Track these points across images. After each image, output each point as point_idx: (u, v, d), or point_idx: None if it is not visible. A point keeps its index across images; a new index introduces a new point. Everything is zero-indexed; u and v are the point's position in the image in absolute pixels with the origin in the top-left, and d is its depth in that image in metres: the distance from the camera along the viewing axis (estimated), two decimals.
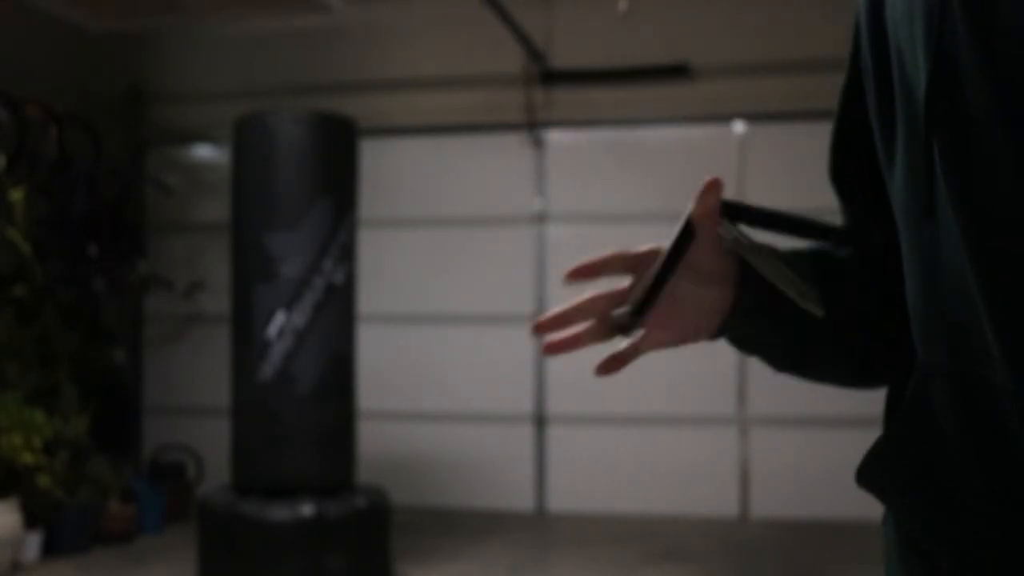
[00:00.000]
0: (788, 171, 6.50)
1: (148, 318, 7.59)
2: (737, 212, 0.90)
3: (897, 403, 0.93)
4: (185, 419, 7.43)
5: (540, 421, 7.13)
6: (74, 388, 6.20)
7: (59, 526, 5.62)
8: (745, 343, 1.00)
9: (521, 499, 7.08)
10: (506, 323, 7.12)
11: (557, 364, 7.08)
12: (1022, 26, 0.72)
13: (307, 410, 4.98)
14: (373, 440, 6.41)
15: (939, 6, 0.76)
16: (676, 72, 6.84)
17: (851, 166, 1.04)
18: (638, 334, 0.95)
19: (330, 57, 7.40)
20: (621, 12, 5.75)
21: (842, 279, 0.99)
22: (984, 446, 0.78)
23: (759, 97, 6.80)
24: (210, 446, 6.79)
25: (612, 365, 0.99)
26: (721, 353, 6.80)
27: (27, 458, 5.48)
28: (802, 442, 6.75)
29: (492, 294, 7.18)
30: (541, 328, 0.95)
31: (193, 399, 7.46)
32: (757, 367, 7.09)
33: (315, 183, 5.04)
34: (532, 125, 7.09)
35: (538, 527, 6.72)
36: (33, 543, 5.46)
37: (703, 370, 6.87)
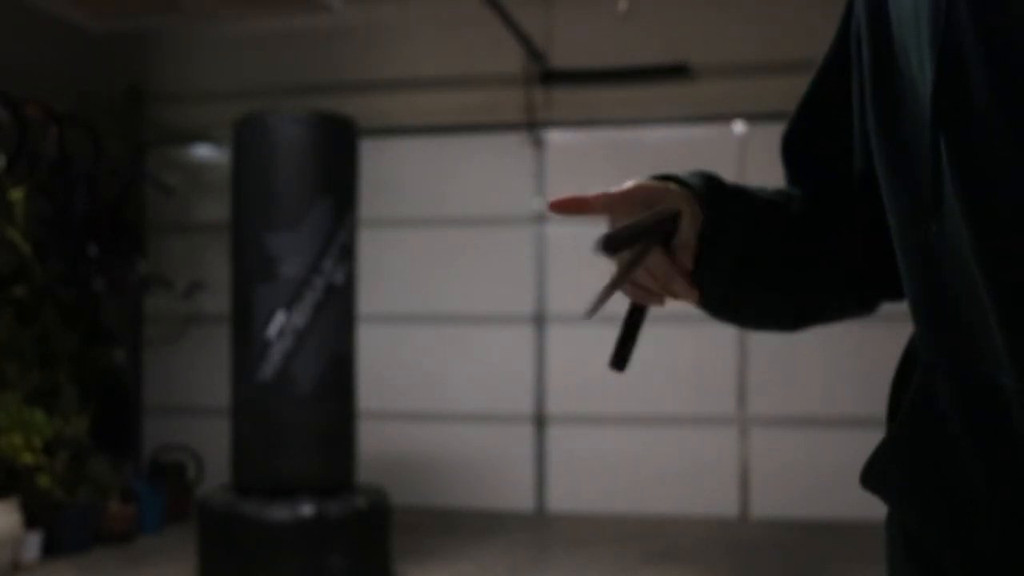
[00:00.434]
0: None
1: (148, 318, 7.58)
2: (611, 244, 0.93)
3: (899, 403, 0.93)
4: (185, 419, 7.43)
5: (540, 421, 7.12)
6: (74, 388, 6.20)
7: (59, 526, 5.61)
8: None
9: (521, 499, 7.07)
10: (506, 323, 7.12)
11: (557, 364, 7.08)
12: None
13: (307, 410, 4.98)
14: (373, 440, 6.41)
15: (945, 2, 0.76)
16: (676, 72, 6.84)
17: (811, 145, 1.06)
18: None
19: (330, 57, 7.40)
20: (621, 12, 5.75)
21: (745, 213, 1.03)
22: (989, 446, 0.78)
23: (759, 97, 6.79)
24: (210, 446, 6.79)
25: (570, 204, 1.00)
26: (721, 353, 6.81)
27: (27, 458, 5.48)
28: (802, 442, 6.75)
29: (492, 294, 7.18)
30: (554, 207, 1.00)
31: (193, 399, 7.46)
32: (757, 367, 7.10)
33: (315, 183, 5.04)
34: (532, 125, 7.09)
35: (538, 527, 6.72)
36: (33, 543, 5.46)
37: (703, 370, 6.87)
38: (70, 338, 6.36)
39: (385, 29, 7.33)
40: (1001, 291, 0.73)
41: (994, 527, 0.79)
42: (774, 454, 6.81)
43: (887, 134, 0.87)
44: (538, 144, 7.18)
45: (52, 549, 5.58)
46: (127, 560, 5.65)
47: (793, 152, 1.10)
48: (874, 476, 0.90)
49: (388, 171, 7.19)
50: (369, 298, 6.41)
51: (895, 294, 1.02)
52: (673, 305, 1.06)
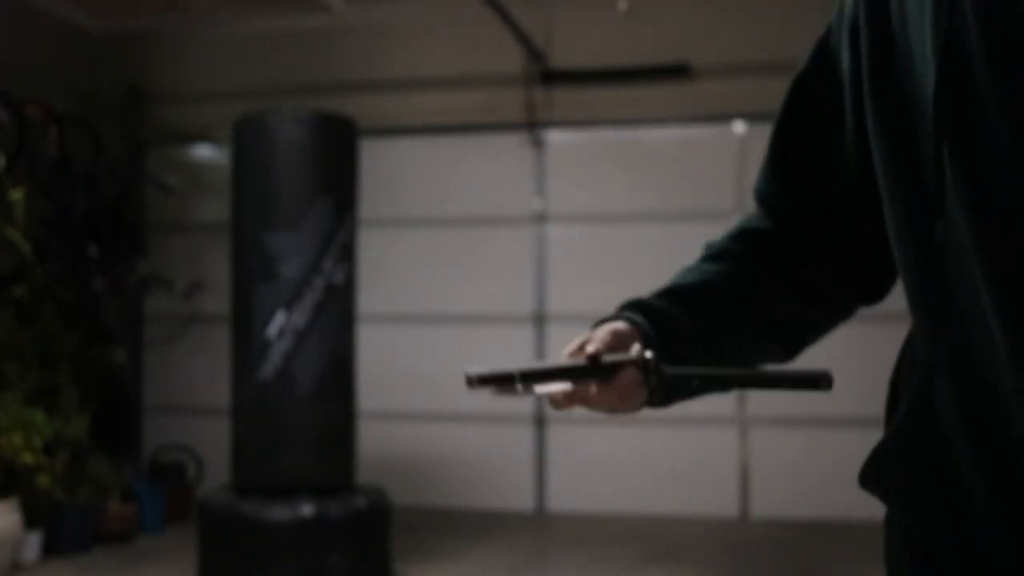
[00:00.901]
0: None
1: (148, 318, 7.58)
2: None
3: (897, 403, 0.93)
4: (185, 419, 7.43)
5: (540, 421, 7.12)
6: (74, 388, 6.20)
7: (59, 526, 5.61)
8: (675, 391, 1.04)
9: (521, 499, 7.07)
10: (506, 323, 7.12)
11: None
12: None
13: (307, 410, 4.98)
14: (373, 440, 6.41)
15: (948, 4, 0.75)
16: (676, 72, 6.84)
17: (797, 145, 1.08)
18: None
19: (330, 57, 7.40)
20: (621, 12, 5.74)
21: (724, 297, 1.08)
22: (988, 446, 0.78)
23: (759, 97, 6.77)
24: (210, 446, 6.79)
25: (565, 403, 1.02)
26: None
27: (27, 458, 5.48)
28: (802, 442, 6.75)
29: (492, 294, 7.18)
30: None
31: (193, 399, 7.46)
32: None
33: (315, 183, 5.04)
34: (532, 125, 7.09)
35: (538, 527, 6.72)
36: (33, 543, 5.45)
37: None
38: (70, 338, 6.36)
39: (385, 29, 7.33)
40: (1002, 291, 0.73)
41: (992, 526, 0.79)
42: (774, 454, 6.81)
43: (887, 135, 0.87)
44: (538, 144, 7.18)
45: (52, 549, 5.58)
46: (127, 560, 5.65)
47: (778, 153, 1.14)
48: (873, 476, 0.90)
49: (388, 171, 7.19)
50: (369, 298, 6.41)
51: (871, 297, 1.06)
52: None
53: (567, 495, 7.02)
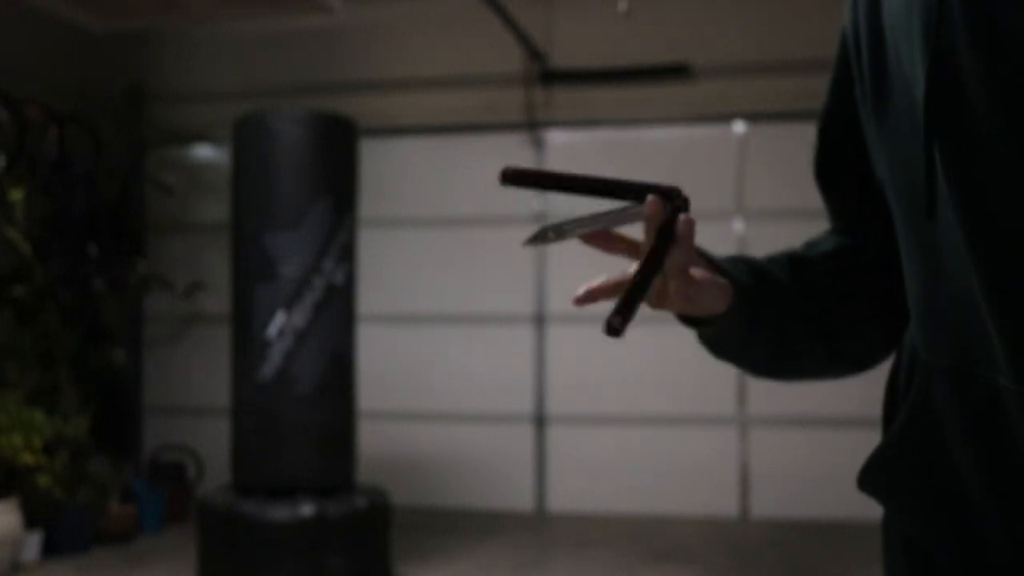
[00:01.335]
0: (788, 171, 6.50)
1: (148, 318, 7.59)
2: (526, 179, 0.90)
3: (895, 404, 0.93)
4: (185, 419, 7.43)
5: (540, 421, 7.12)
6: (74, 388, 6.20)
7: (59, 526, 5.61)
8: (731, 342, 1.00)
9: (521, 499, 7.07)
10: (506, 323, 7.12)
11: (557, 364, 7.08)
12: (1022, 24, 0.71)
13: (307, 410, 4.98)
14: (373, 440, 6.41)
15: (936, 4, 0.75)
16: (676, 72, 6.84)
17: (838, 164, 1.05)
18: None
19: (330, 57, 7.40)
20: (621, 12, 5.74)
21: (818, 274, 1.01)
22: (987, 447, 0.78)
23: (759, 97, 6.79)
24: (210, 446, 6.79)
25: (596, 294, 0.95)
26: None
27: (27, 458, 5.48)
28: (802, 442, 6.75)
29: (492, 294, 7.18)
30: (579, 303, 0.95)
31: (193, 399, 7.46)
32: None
33: (315, 183, 5.04)
34: (532, 125, 7.09)
35: (538, 527, 6.72)
36: (33, 543, 5.46)
37: (703, 370, 6.85)
38: (70, 338, 6.36)
39: (385, 29, 7.33)
40: (997, 292, 0.73)
41: (991, 529, 0.79)
42: (774, 454, 6.81)
43: (885, 136, 0.87)
44: (538, 144, 7.18)
45: (52, 549, 5.58)
46: (127, 560, 5.65)
47: (823, 179, 1.08)
48: (872, 479, 0.90)
49: (388, 171, 7.19)
50: (369, 298, 6.41)
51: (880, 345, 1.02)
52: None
53: (567, 495, 7.02)
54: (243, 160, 5.13)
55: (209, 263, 7.33)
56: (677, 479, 6.89)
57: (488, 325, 7.17)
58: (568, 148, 7.22)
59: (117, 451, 6.59)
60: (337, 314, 5.07)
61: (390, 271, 7.19)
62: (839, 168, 1.05)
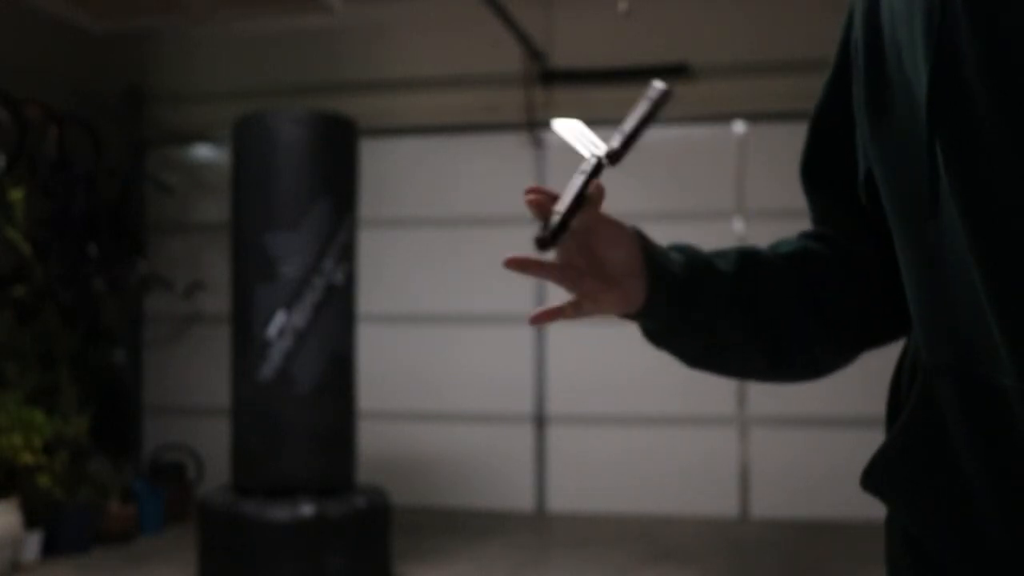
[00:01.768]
0: (788, 171, 6.47)
1: (148, 318, 7.58)
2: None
3: (898, 405, 0.93)
4: (185, 419, 7.42)
5: (540, 421, 7.12)
6: (74, 388, 6.20)
7: (59, 526, 5.61)
8: (662, 333, 0.99)
9: (521, 499, 7.07)
10: (506, 323, 7.12)
11: (557, 364, 7.08)
12: None
13: (307, 410, 4.98)
14: (373, 440, 6.41)
15: (939, 4, 0.75)
16: (676, 72, 6.84)
17: (825, 164, 1.05)
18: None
19: (330, 57, 7.39)
20: (622, 12, 5.74)
21: (768, 274, 1.00)
22: (991, 447, 0.78)
23: (759, 97, 6.79)
24: (210, 446, 6.79)
25: (544, 316, 0.98)
26: None
27: (27, 458, 5.47)
28: (802, 442, 6.75)
29: (492, 294, 7.18)
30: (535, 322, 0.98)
31: (193, 399, 7.46)
32: None
33: (315, 183, 5.04)
34: (532, 125, 7.09)
35: (538, 527, 6.72)
36: (33, 543, 5.46)
37: None
38: (70, 338, 6.36)
39: (385, 29, 7.33)
40: (1000, 292, 0.73)
41: (995, 528, 0.79)
42: (774, 454, 6.81)
43: (882, 137, 0.87)
44: (538, 144, 7.18)
45: (52, 549, 5.58)
46: (127, 560, 5.65)
47: (812, 179, 1.08)
48: (875, 478, 0.90)
49: (388, 171, 7.19)
50: (369, 298, 6.41)
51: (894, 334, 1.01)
52: None
53: (567, 495, 7.02)
54: (243, 160, 5.13)
55: (209, 263, 7.33)
56: (677, 479, 6.89)
57: (488, 325, 7.17)
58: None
59: (117, 451, 6.59)
60: (337, 314, 5.07)
61: (390, 271, 7.19)
62: (825, 168, 1.06)
